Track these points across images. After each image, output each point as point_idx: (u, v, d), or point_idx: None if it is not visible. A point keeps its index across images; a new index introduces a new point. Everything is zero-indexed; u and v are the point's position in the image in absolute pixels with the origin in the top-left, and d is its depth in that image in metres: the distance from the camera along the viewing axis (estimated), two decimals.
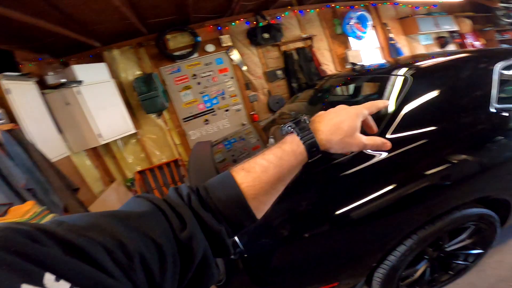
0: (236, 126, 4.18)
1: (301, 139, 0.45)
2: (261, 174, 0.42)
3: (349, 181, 1.23)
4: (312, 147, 0.45)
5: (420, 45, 5.13)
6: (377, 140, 0.52)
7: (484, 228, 1.50)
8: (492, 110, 1.43)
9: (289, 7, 4.26)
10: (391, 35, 4.85)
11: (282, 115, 2.50)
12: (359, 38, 4.44)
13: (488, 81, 1.48)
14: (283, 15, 4.29)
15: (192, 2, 3.00)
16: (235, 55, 4.15)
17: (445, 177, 1.27)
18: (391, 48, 4.78)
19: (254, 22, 4.14)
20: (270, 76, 4.24)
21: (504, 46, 5.70)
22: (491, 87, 1.46)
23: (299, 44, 4.36)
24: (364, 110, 0.51)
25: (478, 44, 5.41)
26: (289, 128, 0.48)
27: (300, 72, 4.20)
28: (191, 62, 4.06)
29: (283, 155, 0.44)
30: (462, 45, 5.40)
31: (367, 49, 4.77)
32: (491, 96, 1.44)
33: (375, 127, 0.55)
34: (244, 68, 4.15)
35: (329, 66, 4.51)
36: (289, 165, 0.44)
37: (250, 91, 4.20)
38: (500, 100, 1.47)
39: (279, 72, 4.26)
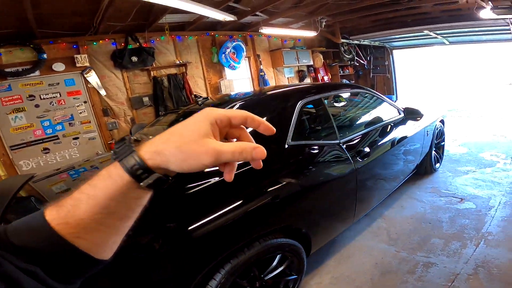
0: (88, 156, 3.79)
1: (115, 158, 0.36)
2: (72, 208, 0.35)
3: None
4: (132, 165, 0.34)
5: (285, 77, 5.90)
6: (242, 145, 0.36)
7: (291, 256, 1.66)
8: (286, 145, 1.67)
9: (167, 31, 4.02)
10: (261, 67, 5.34)
11: (137, 140, 2.43)
12: (232, 68, 4.71)
13: (289, 117, 1.73)
14: (158, 39, 4.03)
15: (34, 17, 2.70)
16: (92, 77, 3.63)
17: (238, 207, 1.36)
18: (260, 80, 5.30)
19: (123, 44, 3.71)
20: (135, 102, 4.00)
21: (345, 81, 7.32)
22: (291, 122, 1.71)
23: (172, 71, 4.25)
24: (219, 111, 0.38)
25: (326, 78, 6.71)
26: (113, 152, 0.38)
27: (169, 100, 4.14)
28: (29, 80, 3.33)
29: (97, 182, 0.35)
30: (315, 78, 6.55)
31: (240, 79, 5.12)
32: (289, 131, 1.68)
33: (270, 127, 0.40)
34: (103, 92, 3.71)
35: (203, 95, 4.61)
36: (108, 193, 0.35)
37: (109, 118, 3.84)
38: (301, 135, 1.91)
39: (146, 99, 4.06)
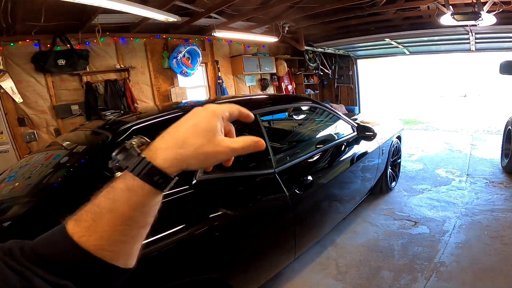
0: None
1: (131, 172, 0.35)
2: (93, 222, 0.35)
3: None
4: (152, 176, 0.35)
5: (246, 86, 5.61)
6: (247, 140, 0.40)
7: None
8: (194, 180, 1.39)
9: (107, 33, 3.55)
10: (219, 74, 5.00)
11: (52, 146, 1.93)
12: (185, 74, 4.33)
13: None
14: (95, 41, 3.54)
15: None
16: (7, 82, 3.08)
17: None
18: (218, 88, 4.95)
19: (49, 45, 3.20)
20: (61, 111, 3.50)
21: (309, 91, 7.18)
22: None
23: (112, 76, 3.78)
24: (222, 107, 0.41)
25: (290, 87, 6.52)
26: (113, 162, 0.37)
27: (104, 110, 3.63)
28: None
29: (115, 196, 0.35)
30: (278, 87, 6.33)
31: (195, 87, 4.74)
32: None
33: (249, 113, 0.44)
34: (18, 98, 3.16)
35: (149, 104, 4.16)
36: (130, 205, 0.35)
37: (27, 128, 3.30)
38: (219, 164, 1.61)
39: (75, 107, 3.56)
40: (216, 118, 0.39)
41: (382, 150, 2.96)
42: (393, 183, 3.52)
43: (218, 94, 5.04)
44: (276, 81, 6.29)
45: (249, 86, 5.75)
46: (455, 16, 3.49)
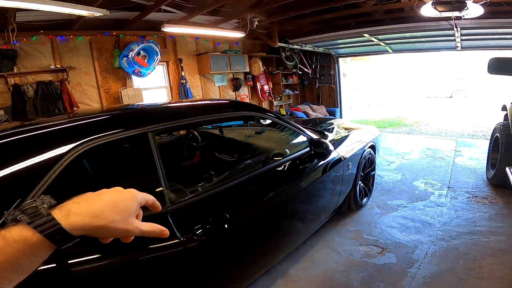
0: None
1: (35, 228, 0.37)
2: None
3: None
4: (56, 235, 0.38)
5: (215, 86, 5.18)
6: (156, 227, 0.48)
7: None
8: None
9: (41, 31, 3.09)
10: (183, 74, 4.55)
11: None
12: (138, 74, 3.88)
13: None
14: (25, 39, 3.08)
15: None
16: None
17: None
18: (181, 89, 4.51)
19: None
20: None
21: (287, 91, 6.77)
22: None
23: (46, 77, 3.29)
24: (142, 195, 0.49)
25: (267, 87, 6.10)
26: (14, 215, 0.38)
27: (34, 114, 3.17)
28: None
29: (4, 244, 0.36)
30: (253, 87, 5.91)
31: (155, 88, 4.30)
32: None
33: (159, 205, 0.53)
34: None
35: (94, 106, 3.71)
36: (21, 255, 0.37)
37: None
38: None
39: (0, 113, 3.05)
40: (135, 202, 0.46)
41: (349, 165, 2.57)
42: (365, 199, 3.15)
43: (181, 95, 4.60)
44: (251, 81, 5.87)
45: (218, 86, 5.32)
46: (437, 6, 3.10)
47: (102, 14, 2.57)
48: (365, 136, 3.11)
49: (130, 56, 3.78)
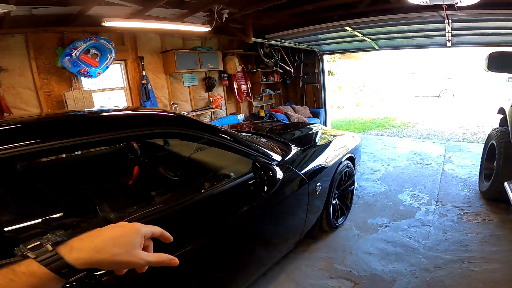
0: None
1: (40, 262, 0.42)
2: None
3: None
4: (61, 269, 0.42)
5: (184, 86, 4.71)
6: (163, 257, 0.52)
7: None
8: None
9: None
10: (144, 73, 4.08)
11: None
12: (85, 74, 3.40)
13: None
14: None
15: None
16: None
17: None
18: (142, 90, 4.03)
19: None
20: None
21: (268, 91, 6.33)
22: None
23: None
24: (148, 228, 0.52)
25: (245, 87, 5.67)
26: (22, 251, 0.44)
27: None
28: None
29: (14, 277, 0.40)
30: (230, 87, 5.48)
31: (111, 91, 3.84)
32: None
33: (168, 236, 0.57)
34: None
35: (30, 113, 3.23)
36: (29, 286, 0.41)
37: None
38: None
39: None
40: (138, 235, 0.49)
41: (317, 186, 2.15)
42: (341, 219, 2.75)
43: (142, 97, 4.12)
44: (226, 80, 5.41)
45: (188, 86, 4.85)
46: None
47: (6, 10, 2.08)
48: (342, 147, 2.70)
49: (74, 54, 3.29)
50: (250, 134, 2.51)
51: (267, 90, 6.38)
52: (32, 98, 3.25)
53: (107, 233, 0.46)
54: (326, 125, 6.95)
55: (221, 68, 5.06)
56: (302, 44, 5.79)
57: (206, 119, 5.25)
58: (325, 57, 6.65)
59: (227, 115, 5.66)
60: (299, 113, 6.35)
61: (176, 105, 4.57)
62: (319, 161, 2.25)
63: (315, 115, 6.57)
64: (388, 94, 12.83)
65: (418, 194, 3.39)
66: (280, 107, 6.31)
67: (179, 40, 4.65)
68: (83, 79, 3.61)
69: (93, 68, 3.47)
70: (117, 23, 3.09)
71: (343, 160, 2.59)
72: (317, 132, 3.08)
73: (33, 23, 3.12)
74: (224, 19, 3.84)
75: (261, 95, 6.29)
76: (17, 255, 0.44)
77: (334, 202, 2.56)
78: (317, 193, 2.10)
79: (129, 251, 0.46)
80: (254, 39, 4.62)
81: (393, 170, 4.22)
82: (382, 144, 5.74)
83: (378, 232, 2.68)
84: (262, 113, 5.86)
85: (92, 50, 3.51)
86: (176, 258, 0.52)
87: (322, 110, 6.74)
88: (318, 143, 2.64)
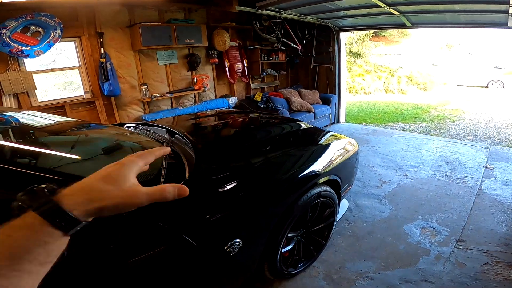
0: None
1: (34, 210, 0.38)
2: None
3: None
4: (55, 216, 0.38)
5: (159, 65, 4.05)
6: (167, 187, 0.45)
7: None
8: None
9: None
10: (103, 50, 3.50)
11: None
12: (19, 54, 2.92)
13: None
14: None
15: None
16: None
17: None
18: (100, 69, 3.46)
19: None
20: None
21: (269, 71, 5.48)
22: None
23: None
24: (135, 158, 0.47)
25: (240, 66, 4.88)
26: (16, 202, 0.39)
27: None
28: None
29: (12, 232, 0.37)
30: (220, 66, 4.74)
31: (58, 70, 3.32)
32: None
33: (166, 151, 0.56)
34: None
35: None
36: (27, 244, 0.36)
37: None
38: None
39: None
40: (125, 168, 0.44)
41: (230, 247, 1.38)
42: (302, 264, 2.00)
43: (100, 78, 3.55)
44: (215, 58, 4.64)
45: (164, 64, 4.17)
46: None
47: None
48: (317, 164, 1.89)
49: (3, 34, 2.78)
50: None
51: (269, 70, 5.50)
52: None
53: (95, 175, 0.43)
54: (338, 115, 5.97)
55: (205, 44, 4.28)
56: (311, 17, 4.74)
57: (188, 102, 4.61)
58: (343, 35, 5.50)
59: (216, 97, 4.96)
60: (305, 98, 5.44)
61: (145, 86, 3.95)
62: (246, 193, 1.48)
63: (325, 101, 5.61)
64: (425, 82, 11.10)
65: (434, 226, 2.50)
66: (282, 90, 5.44)
67: (153, 12, 3.93)
68: (29, 59, 3.12)
69: (28, 47, 2.95)
70: None
71: (315, 186, 1.80)
72: (285, 135, 2.29)
73: None
74: None
75: (261, 76, 5.45)
76: (14, 207, 0.39)
77: (289, 247, 1.81)
78: (232, 254, 1.34)
79: (121, 186, 0.42)
80: (238, 8, 3.74)
81: (410, 184, 3.29)
82: (404, 143, 4.70)
83: (353, 287, 1.91)
84: (258, 97, 5.06)
85: (33, 28, 3.00)
86: (185, 186, 0.45)
87: (335, 96, 5.73)
88: (273, 155, 1.85)
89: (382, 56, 10.52)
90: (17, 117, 1.72)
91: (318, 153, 2.01)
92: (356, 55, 10.85)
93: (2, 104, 3.13)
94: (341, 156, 2.13)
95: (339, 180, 2.06)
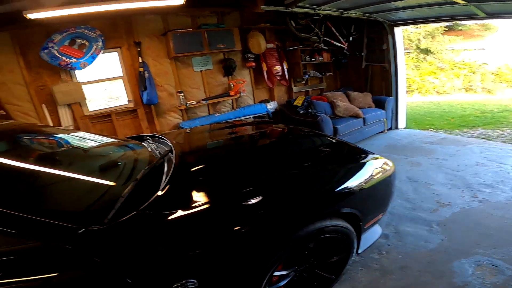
0: None
1: None
2: None
3: None
4: None
5: (194, 72, 4.20)
6: None
7: None
8: None
9: None
10: (141, 60, 3.78)
11: None
12: (67, 67, 3.35)
13: None
14: None
15: None
16: None
17: None
18: (140, 78, 3.75)
19: None
20: None
21: (312, 74, 5.17)
22: None
23: None
24: None
25: (279, 69, 4.72)
26: None
27: None
28: None
29: None
30: (258, 69, 4.66)
31: (106, 80, 3.76)
32: None
33: None
34: None
35: (23, 108, 3.34)
36: None
37: None
38: None
39: None
40: None
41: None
42: None
43: (140, 87, 3.81)
44: (252, 61, 4.57)
45: (200, 71, 4.27)
46: None
47: None
48: (325, 197, 1.58)
49: (51, 47, 3.21)
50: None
51: (312, 72, 5.16)
52: (23, 93, 3.36)
53: None
54: (396, 120, 5.24)
55: (238, 48, 4.24)
56: (354, 12, 4.25)
57: (225, 108, 4.63)
58: (398, 30, 4.80)
59: (254, 103, 4.87)
60: (355, 102, 4.92)
61: (182, 94, 4.09)
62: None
63: (380, 104, 4.98)
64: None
65: (496, 264, 1.89)
66: (327, 93, 5.03)
67: (186, 18, 4.04)
68: (77, 71, 3.55)
69: (75, 60, 3.34)
70: (41, 14, 2.73)
71: (322, 221, 1.50)
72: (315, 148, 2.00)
73: (17, 19, 3.08)
74: None
75: (304, 78, 5.16)
76: None
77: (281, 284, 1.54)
78: None
79: None
80: (264, 8, 3.58)
81: (478, 209, 2.60)
82: (480, 155, 3.81)
83: None
84: (299, 101, 4.79)
85: (78, 40, 3.39)
86: None
87: (392, 98, 5.03)
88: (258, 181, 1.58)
89: (460, 52, 8.94)
90: (67, 138, 1.92)
91: (320, 178, 1.68)
92: (426, 51, 9.49)
93: (58, 114, 3.61)
94: (363, 183, 1.71)
95: (358, 214, 1.68)
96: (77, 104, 3.64)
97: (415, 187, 3.13)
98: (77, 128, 3.68)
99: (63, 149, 1.77)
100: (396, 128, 5.31)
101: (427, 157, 3.94)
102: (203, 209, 1.25)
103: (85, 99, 3.62)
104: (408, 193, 3.02)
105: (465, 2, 3.33)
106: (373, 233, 2.05)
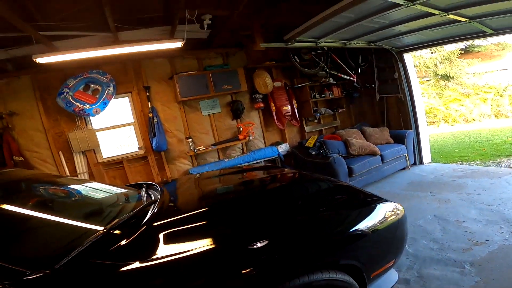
0: None
1: None
2: None
3: None
4: None
5: (202, 116, 4.35)
6: None
7: None
8: None
9: None
10: (150, 104, 4.02)
11: None
12: (81, 113, 3.57)
13: None
14: None
15: None
16: None
17: None
18: (149, 124, 3.95)
19: None
20: None
21: (323, 111, 5.17)
22: None
23: None
24: None
25: (289, 108, 4.78)
26: None
27: None
28: None
29: None
30: (267, 109, 4.74)
31: (118, 127, 4.03)
32: None
33: None
34: None
35: (42, 155, 3.56)
36: None
37: None
38: None
39: None
40: None
41: None
42: None
43: (150, 133, 3.98)
44: (260, 102, 4.69)
45: (208, 115, 4.42)
46: None
47: None
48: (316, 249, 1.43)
49: (66, 92, 3.47)
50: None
51: (323, 109, 5.16)
52: (42, 140, 3.60)
53: None
54: (419, 154, 4.96)
55: (244, 88, 4.41)
56: (357, 42, 4.32)
57: (235, 153, 4.64)
58: (408, 56, 4.82)
59: (265, 146, 4.85)
60: (371, 139, 4.78)
61: (191, 139, 4.18)
62: None
63: (399, 139, 4.79)
64: None
65: None
66: (341, 131, 4.95)
67: (192, 61, 4.30)
68: (92, 117, 3.78)
69: (88, 106, 3.57)
70: (50, 59, 2.96)
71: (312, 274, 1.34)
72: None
73: (31, 63, 3.37)
74: (206, 26, 3.30)
75: (316, 117, 5.15)
76: None
77: None
78: None
79: None
80: (263, 45, 3.76)
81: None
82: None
83: None
84: (311, 142, 4.71)
85: (92, 85, 3.63)
86: None
87: (411, 132, 4.84)
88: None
89: (482, 75, 8.67)
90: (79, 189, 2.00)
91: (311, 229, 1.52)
92: (446, 77, 9.29)
93: (74, 161, 3.80)
94: (361, 230, 1.54)
95: (358, 265, 1.50)
96: (91, 151, 3.83)
97: (443, 226, 2.83)
98: (91, 176, 3.83)
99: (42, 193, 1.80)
100: (421, 163, 5.01)
101: (457, 192, 3.61)
102: (165, 261, 1.17)
103: (99, 146, 3.81)
104: (435, 233, 2.72)
105: (467, 20, 3.31)
106: (387, 280, 1.80)
